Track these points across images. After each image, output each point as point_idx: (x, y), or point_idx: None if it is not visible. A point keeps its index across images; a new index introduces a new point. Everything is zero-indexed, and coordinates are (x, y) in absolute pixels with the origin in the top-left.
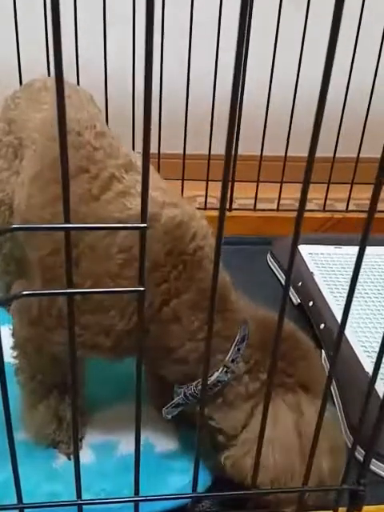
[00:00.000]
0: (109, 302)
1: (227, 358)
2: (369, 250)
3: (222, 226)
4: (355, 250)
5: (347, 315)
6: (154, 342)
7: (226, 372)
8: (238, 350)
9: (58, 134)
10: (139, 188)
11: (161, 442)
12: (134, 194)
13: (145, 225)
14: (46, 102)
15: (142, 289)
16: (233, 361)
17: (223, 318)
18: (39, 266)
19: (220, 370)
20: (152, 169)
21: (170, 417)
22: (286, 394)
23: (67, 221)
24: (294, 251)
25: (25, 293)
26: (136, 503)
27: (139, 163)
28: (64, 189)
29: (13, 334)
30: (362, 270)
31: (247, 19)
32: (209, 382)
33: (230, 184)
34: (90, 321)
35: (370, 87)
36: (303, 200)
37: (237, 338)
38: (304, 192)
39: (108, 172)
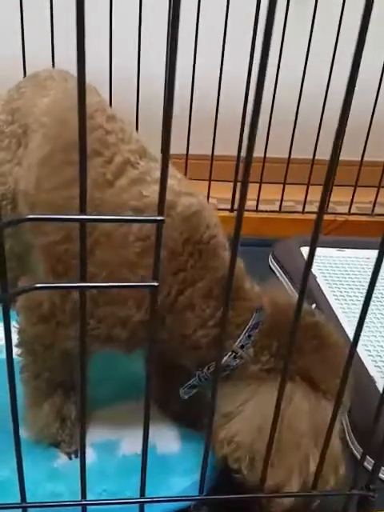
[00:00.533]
0: (126, 292)
1: (236, 344)
2: (373, 253)
3: (239, 226)
4: (358, 252)
5: (361, 327)
6: (169, 333)
7: (235, 357)
8: (249, 336)
9: (67, 117)
10: (154, 175)
11: (162, 444)
12: (149, 182)
13: (162, 217)
14: (53, 88)
15: (155, 284)
16: (242, 347)
17: (234, 307)
18: (49, 257)
19: (228, 355)
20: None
21: (186, 397)
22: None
23: (83, 211)
24: (312, 254)
25: (38, 285)
26: (141, 505)
27: (152, 150)
28: (81, 178)
29: (18, 332)
30: (365, 274)
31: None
32: (211, 370)
33: (232, 185)
34: (107, 312)
35: (376, 90)
36: (322, 207)
37: (249, 324)
38: (323, 200)
39: (122, 156)
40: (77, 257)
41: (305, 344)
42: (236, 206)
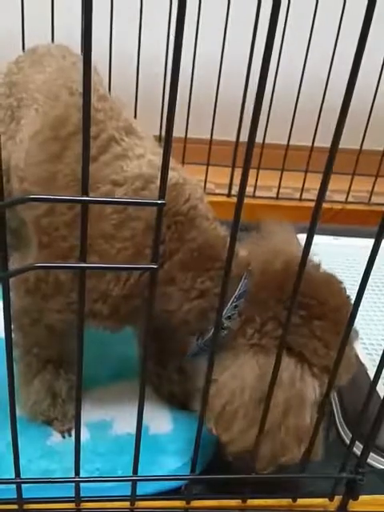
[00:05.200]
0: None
1: (223, 315)
2: (368, 242)
3: (239, 211)
4: (354, 241)
5: (356, 314)
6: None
7: (222, 328)
8: (235, 306)
9: (60, 94)
10: (137, 151)
11: (155, 424)
12: (131, 157)
13: (163, 201)
14: (50, 64)
15: (154, 266)
16: (229, 317)
17: (212, 277)
18: (36, 229)
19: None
20: (151, 136)
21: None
22: (260, 353)
23: (85, 193)
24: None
25: (37, 265)
26: (134, 482)
27: (139, 129)
28: (84, 162)
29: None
30: (361, 263)
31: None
32: (205, 340)
33: (230, 170)
34: (87, 286)
35: (376, 79)
36: (321, 194)
37: (235, 294)
38: (323, 188)
39: (107, 134)
40: (59, 229)
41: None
42: (233, 192)
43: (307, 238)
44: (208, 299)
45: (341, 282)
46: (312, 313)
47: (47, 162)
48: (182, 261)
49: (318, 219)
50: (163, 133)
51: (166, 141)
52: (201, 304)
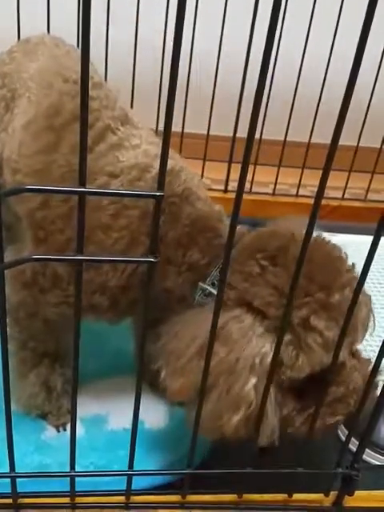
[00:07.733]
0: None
1: (207, 281)
2: (365, 239)
3: (238, 206)
4: (350, 237)
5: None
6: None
7: (205, 295)
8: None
9: (54, 82)
10: (133, 141)
11: (150, 419)
12: (127, 147)
13: (161, 193)
14: (43, 53)
15: (153, 260)
16: (213, 284)
17: (202, 249)
18: (30, 223)
19: (198, 294)
20: (146, 126)
21: None
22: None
23: (82, 184)
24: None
25: (34, 257)
26: (129, 477)
27: (135, 118)
28: (81, 151)
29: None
30: (357, 260)
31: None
32: (195, 301)
33: (227, 165)
34: (85, 278)
35: (374, 77)
36: (321, 192)
37: (220, 262)
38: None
39: (103, 122)
40: (55, 222)
41: (252, 268)
42: (230, 187)
43: (306, 233)
44: (196, 271)
45: (326, 242)
46: (274, 263)
47: (41, 153)
48: (175, 238)
49: (317, 215)
50: (160, 127)
51: (165, 134)
52: (190, 276)
